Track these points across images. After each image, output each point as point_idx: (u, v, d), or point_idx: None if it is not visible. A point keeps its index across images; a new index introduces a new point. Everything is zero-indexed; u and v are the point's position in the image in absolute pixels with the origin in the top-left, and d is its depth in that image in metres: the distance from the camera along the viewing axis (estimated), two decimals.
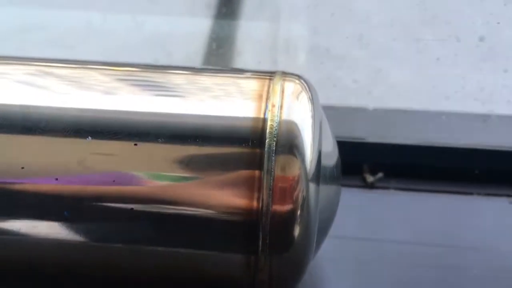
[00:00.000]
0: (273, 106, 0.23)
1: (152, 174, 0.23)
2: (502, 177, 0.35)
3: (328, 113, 0.31)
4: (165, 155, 0.23)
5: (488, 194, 0.35)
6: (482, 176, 0.35)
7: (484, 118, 0.38)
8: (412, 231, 0.33)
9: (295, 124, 0.23)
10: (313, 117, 0.24)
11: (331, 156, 0.26)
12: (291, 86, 0.24)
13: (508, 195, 0.35)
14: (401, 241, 0.33)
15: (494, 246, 0.32)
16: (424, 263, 0.31)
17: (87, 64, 0.26)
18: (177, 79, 0.25)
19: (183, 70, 0.26)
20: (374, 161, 0.35)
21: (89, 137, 0.23)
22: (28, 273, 0.25)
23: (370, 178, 0.35)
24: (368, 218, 0.34)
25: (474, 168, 0.35)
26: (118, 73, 0.25)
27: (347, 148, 0.34)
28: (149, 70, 0.25)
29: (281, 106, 0.23)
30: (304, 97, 0.24)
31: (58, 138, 0.23)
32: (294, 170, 0.23)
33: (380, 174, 0.35)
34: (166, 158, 0.23)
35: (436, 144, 0.35)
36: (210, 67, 0.27)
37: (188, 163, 0.23)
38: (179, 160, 0.23)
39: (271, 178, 0.22)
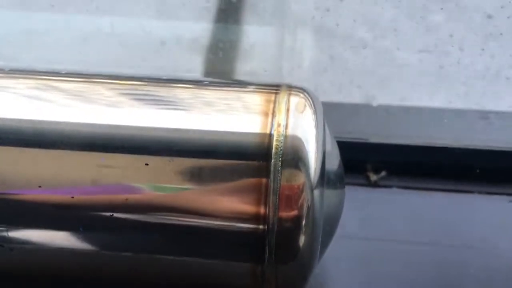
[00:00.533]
0: (279, 124, 0.24)
1: (160, 186, 0.24)
2: (502, 176, 0.35)
3: (331, 111, 0.31)
4: (174, 169, 0.23)
5: (489, 193, 0.36)
6: (483, 175, 0.36)
7: (486, 115, 0.39)
8: (414, 229, 0.34)
9: (300, 140, 0.24)
10: (317, 129, 0.24)
11: (334, 162, 0.27)
12: (296, 101, 0.25)
13: (509, 194, 0.36)
14: (403, 239, 0.33)
15: (493, 245, 0.33)
16: (424, 261, 0.32)
17: (92, 78, 0.26)
18: (185, 93, 0.26)
19: (188, 84, 0.26)
20: (377, 160, 0.36)
21: (103, 158, 0.24)
22: (43, 279, 0.26)
23: (373, 177, 0.36)
24: (371, 216, 0.35)
25: (475, 167, 0.36)
26: (124, 87, 0.26)
27: (351, 148, 0.35)
28: (156, 84, 0.26)
29: (287, 124, 0.24)
30: (309, 112, 0.25)
31: (72, 152, 0.24)
32: (299, 184, 0.23)
33: (383, 173, 0.36)
34: (175, 172, 0.23)
35: (438, 145, 0.35)
36: (216, 80, 0.28)
37: (196, 177, 0.23)
38: (187, 173, 0.24)
39: (277, 191, 0.23)
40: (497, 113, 0.39)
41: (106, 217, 0.24)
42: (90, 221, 0.24)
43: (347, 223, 0.30)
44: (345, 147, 0.30)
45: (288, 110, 0.24)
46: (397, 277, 0.31)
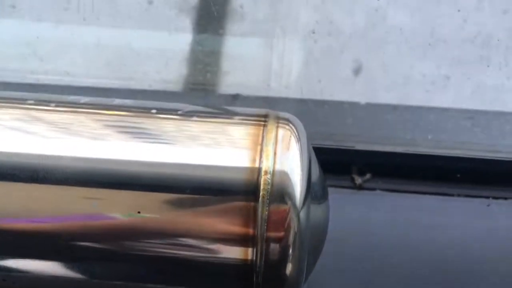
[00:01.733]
0: (266, 171, 0.25)
1: (146, 218, 0.25)
2: (481, 181, 0.37)
3: (317, 109, 0.32)
4: (163, 201, 0.24)
5: (468, 196, 0.37)
6: (464, 180, 0.37)
7: (471, 114, 0.40)
8: (396, 229, 0.36)
9: (287, 175, 0.25)
10: (302, 162, 0.25)
11: (318, 184, 0.28)
12: (282, 135, 0.26)
13: (487, 197, 0.37)
14: (383, 239, 0.35)
15: (470, 246, 0.35)
16: (403, 261, 0.34)
17: (77, 107, 0.27)
18: (171, 126, 0.26)
19: (175, 115, 0.26)
20: (363, 164, 0.37)
21: (95, 203, 0.25)
22: None
23: (358, 180, 0.37)
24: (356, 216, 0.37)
25: (456, 172, 0.37)
26: (110, 118, 0.26)
27: (337, 153, 0.36)
28: (143, 116, 0.26)
29: (275, 162, 0.25)
30: (294, 144, 0.26)
31: (60, 187, 0.25)
32: (286, 218, 0.25)
33: (368, 175, 0.37)
34: (163, 205, 0.24)
35: (423, 152, 0.37)
36: (203, 109, 0.28)
37: (184, 210, 0.25)
38: (175, 207, 0.25)
39: (265, 224, 0.25)
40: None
41: (94, 247, 0.25)
42: (80, 252, 0.25)
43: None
44: (331, 153, 0.31)
45: (275, 150, 0.25)
46: (377, 278, 0.33)
